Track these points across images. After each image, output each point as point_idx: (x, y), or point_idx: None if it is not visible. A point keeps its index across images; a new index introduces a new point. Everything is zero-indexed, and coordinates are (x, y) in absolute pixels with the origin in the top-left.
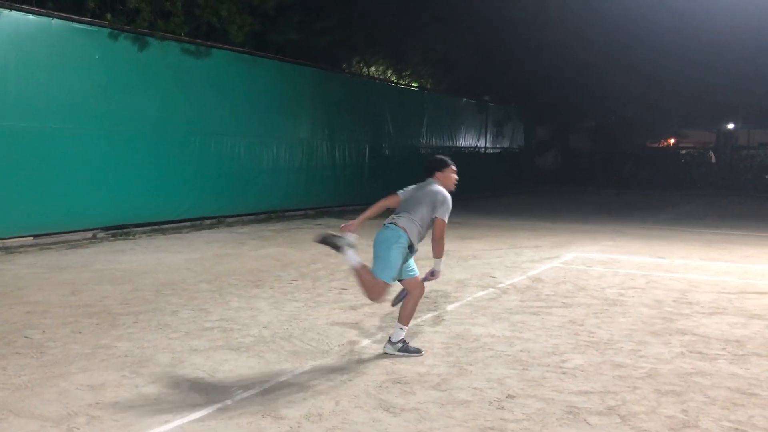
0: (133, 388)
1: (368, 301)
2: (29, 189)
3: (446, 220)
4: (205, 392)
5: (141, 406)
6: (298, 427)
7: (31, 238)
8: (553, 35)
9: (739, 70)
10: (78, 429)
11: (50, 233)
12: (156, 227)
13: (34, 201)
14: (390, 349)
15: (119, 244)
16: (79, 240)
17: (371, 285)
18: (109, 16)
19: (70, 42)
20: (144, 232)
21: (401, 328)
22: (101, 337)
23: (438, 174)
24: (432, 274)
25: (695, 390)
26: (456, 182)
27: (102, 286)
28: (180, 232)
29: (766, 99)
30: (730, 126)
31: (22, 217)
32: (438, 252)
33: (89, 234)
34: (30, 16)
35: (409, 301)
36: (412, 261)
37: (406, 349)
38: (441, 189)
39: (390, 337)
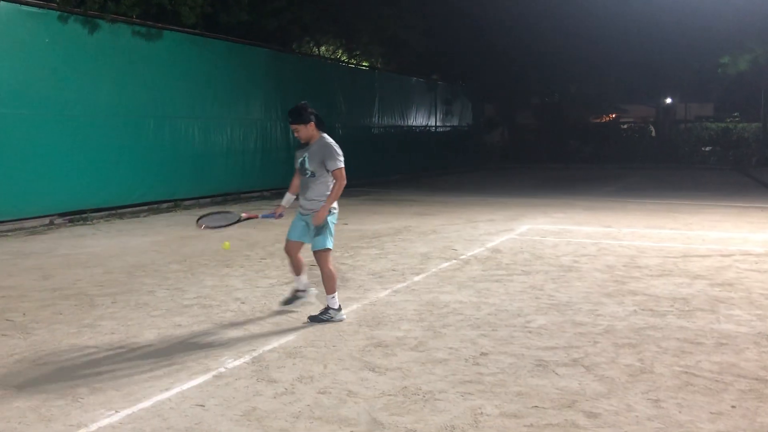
0: (127, 361)
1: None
2: None
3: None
4: (198, 361)
5: (138, 375)
6: (293, 388)
7: None
8: (497, 14)
9: (675, 47)
10: (83, 398)
11: (6, 221)
12: (113, 212)
13: None
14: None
15: (79, 230)
16: (36, 227)
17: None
18: None
19: (19, 26)
20: (102, 217)
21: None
22: (83, 318)
23: None
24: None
25: (648, 342)
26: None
27: (72, 270)
28: (138, 216)
29: (701, 74)
30: (669, 100)
31: None
32: None
33: (46, 220)
34: None
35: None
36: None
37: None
38: None
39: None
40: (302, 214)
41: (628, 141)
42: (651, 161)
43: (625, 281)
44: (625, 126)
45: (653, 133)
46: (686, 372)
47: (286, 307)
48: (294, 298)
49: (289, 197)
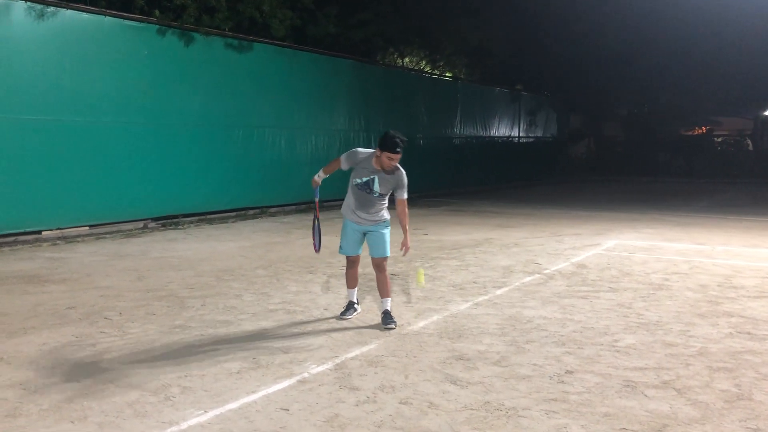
0: (216, 363)
1: (418, 286)
2: (84, 181)
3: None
4: (282, 366)
5: (226, 378)
6: (375, 397)
7: (87, 227)
8: (584, 24)
9: None
10: (174, 398)
11: (104, 223)
12: (203, 217)
13: (89, 192)
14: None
15: (171, 233)
16: (131, 230)
17: None
18: (157, 12)
19: (121, 39)
20: (192, 222)
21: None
22: (175, 319)
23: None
24: None
25: (746, 367)
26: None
27: (164, 272)
28: (226, 222)
29: None
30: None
31: (79, 208)
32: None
33: (140, 224)
34: (84, 15)
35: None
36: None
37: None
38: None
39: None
40: (358, 224)
41: (723, 154)
42: (747, 176)
43: (720, 302)
44: (720, 139)
45: (750, 147)
46: None
47: (345, 318)
48: (352, 309)
49: (323, 175)
